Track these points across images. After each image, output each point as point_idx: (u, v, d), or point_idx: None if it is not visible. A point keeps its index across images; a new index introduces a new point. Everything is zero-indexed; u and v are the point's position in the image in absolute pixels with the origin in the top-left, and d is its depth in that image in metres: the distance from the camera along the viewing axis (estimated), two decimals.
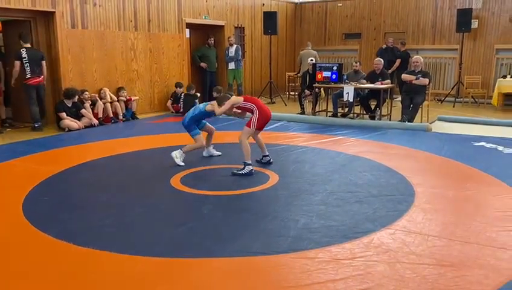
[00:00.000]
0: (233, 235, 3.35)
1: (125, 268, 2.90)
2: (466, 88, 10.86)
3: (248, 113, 5.20)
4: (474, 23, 10.86)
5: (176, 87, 9.56)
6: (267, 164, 5.30)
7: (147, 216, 3.80)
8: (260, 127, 5.17)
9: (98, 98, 8.33)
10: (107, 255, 3.04)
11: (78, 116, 7.90)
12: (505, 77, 10.16)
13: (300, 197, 4.21)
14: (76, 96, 7.85)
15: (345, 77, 8.77)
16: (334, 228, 3.48)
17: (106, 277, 2.80)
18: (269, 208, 3.98)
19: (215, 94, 6.42)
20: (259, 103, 5.16)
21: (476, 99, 10.80)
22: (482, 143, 6.37)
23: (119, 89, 8.84)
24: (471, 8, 10.62)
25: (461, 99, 10.87)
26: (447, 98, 11.04)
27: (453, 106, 10.43)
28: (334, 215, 3.74)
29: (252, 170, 4.90)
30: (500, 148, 6.06)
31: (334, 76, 8.67)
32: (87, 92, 8.18)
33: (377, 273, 2.77)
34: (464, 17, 10.42)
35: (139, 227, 3.57)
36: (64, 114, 7.68)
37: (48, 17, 7.90)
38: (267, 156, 5.35)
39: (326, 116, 8.98)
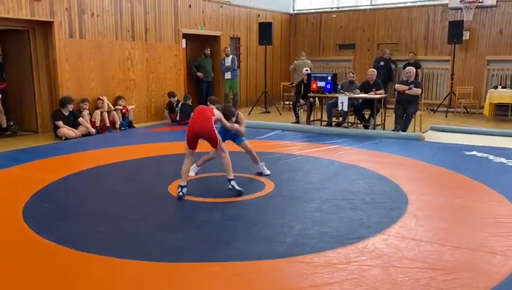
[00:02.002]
0: (230, 241, 3.43)
1: (124, 272, 2.97)
2: (458, 98, 11.04)
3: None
4: (466, 35, 11.07)
5: (170, 97, 9.68)
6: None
7: (145, 223, 3.87)
8: (189, 143, 4.59)
9: (89, 113, 8.36)
10: (108, 260, 3.11)
11: (75, 125, 7.97)
12: (496, 87, 10.35)
13: (296, 204, 4.30)
14: (71, 105, 7.88)
15: (339, 87, 8.90)
16: (329, 234, 3.56)
17: (106, 280, 2.87)
18: (265, 214, 4.06)
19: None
20: (194, 114, 4.68)
21: (468, 110, 10.98)
22: (474, 152, 6.50)
23: (119, 98, 8.95)
24: (463, 20, 10.83)
25: (453, 109, 11.05)
26: (439, 108, 11.20)
27: (446, 116, 10.59)
28: (329, 221, 3.83)
29: (179, 193, 4.44)
30: (491, 157, 6.19)
31: (328, 86, 8.79)
32: (87, 102, 8.25)
33: (371, 277, 2.86)
34: (456, 29, 10.62)
35: (137, 233, 3.64)
36: (61, 123, 7.74)
37: (46, 26, 7.99)
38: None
39: (321, 125, 9.10)
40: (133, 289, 2.79)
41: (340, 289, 2.71)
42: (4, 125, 8.09)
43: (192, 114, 4.82)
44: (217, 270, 2.97)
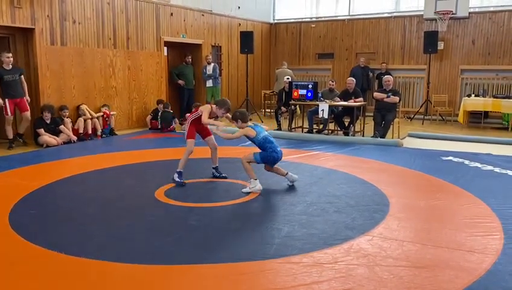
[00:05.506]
0: (221, 244, 3.50)
1: (119, 275, 3.01)
2: (434, 106, 11.40)
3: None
4: (440, 45, 11.46)
5: (158, 104, 9.75)
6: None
7: (136, 227, 3.91)
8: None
9: (71, 121, 8.30)
10: (101, 264, 3.14)
11: (57, 133, 7.90)
12: (469, 96, 10.72)
13: (282, 208, 4.41)
14: (46, 112, 7.76)
15: (320, 95, 9.10)
16: (315, 235, 3.68)
17: (101, 284, 2.90)
18: (253, 218, 4.16)
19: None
20: None
21: (444, 117, 11.33)
22: (450, 157, 6.74)
23: (104, 106, 8.95)
24: (437, 31, 11.22)
25: (429, 116, 11.39)
26: (416, 116, 11.53)
27: (422, 123, 10.91)
28: (315, 224, 3.95)
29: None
30: (467, 162, 6.43)
31: (309, 94, 8.98)
32: (66, 110, 8.20)
33: (358, 275, 2.98)
34: (431, 39, 10.99)
35: (129, 237, 3.68)
36: (42, 130, 7.68)
37: (27, 33, 7.94)
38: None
39: (302, 132, 9.26)
40: None
41: (329, 287, 2.82)
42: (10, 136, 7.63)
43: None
44: (210, 272, 3.04)
